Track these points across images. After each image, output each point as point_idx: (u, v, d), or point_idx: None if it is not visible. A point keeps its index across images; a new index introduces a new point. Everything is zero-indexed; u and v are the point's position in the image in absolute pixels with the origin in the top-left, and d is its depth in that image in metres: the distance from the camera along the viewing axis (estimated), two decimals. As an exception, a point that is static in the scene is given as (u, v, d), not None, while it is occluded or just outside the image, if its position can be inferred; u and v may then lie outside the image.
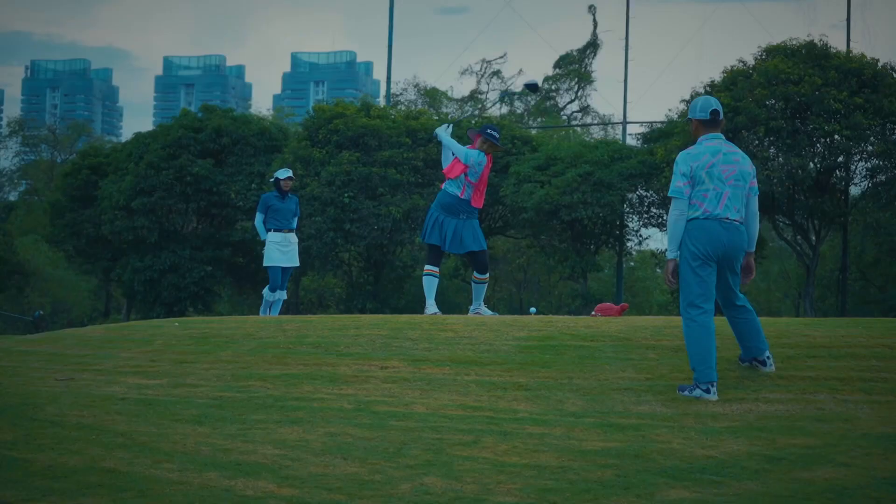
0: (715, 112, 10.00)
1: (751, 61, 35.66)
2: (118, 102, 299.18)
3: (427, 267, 14.77)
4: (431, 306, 14.47)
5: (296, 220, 18.79)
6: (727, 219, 9.67)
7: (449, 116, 53.64)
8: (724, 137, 9.99)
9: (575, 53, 66.86)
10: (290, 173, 18.92)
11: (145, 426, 8.78)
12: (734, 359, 10.32)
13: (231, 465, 7.55)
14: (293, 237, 18.68)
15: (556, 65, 67.57)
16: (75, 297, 58.68)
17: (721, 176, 9.67)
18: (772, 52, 35.14)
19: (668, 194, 9.95)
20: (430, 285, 14.61)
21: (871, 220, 35.99)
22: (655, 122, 40.68)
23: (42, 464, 7.63)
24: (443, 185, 14.65)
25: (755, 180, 9.95)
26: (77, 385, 10.60)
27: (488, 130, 14.52)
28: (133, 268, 44.28)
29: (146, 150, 44.31)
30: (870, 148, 33.87)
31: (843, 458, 7.64)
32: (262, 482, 7.16)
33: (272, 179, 18.97)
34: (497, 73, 69.14)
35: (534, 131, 49.65)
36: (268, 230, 18.49)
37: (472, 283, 14.93)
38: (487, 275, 14.83)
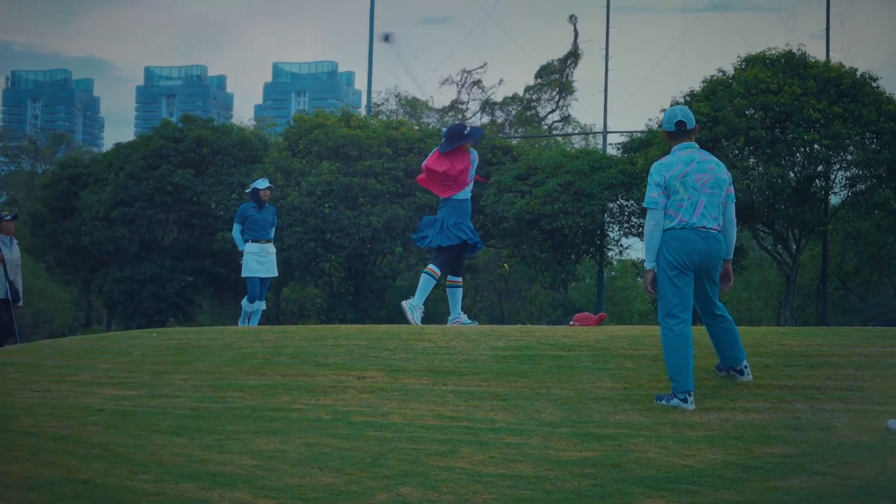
0: (680, 123, 10.04)
1: (730, 71, 35.77)
2: (99, 113, 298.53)
3: (432, 267, 14.51)
4: (419, 310, 14.28)
5: (273, 230, 18.78)
6: (704, 227, 9.69)
7: (430, 127, 53.51)
8: (697, 146, 10.01)
9: (556, 63, 66.90)
10: (268, 183, 18.93)
11: (122, 437, 8.75)
12: (711, 368, 10.34)
13: (207, 476, 7.53)
14: (271, 247, 18.66)
15: (538, 75, 67.61)
16: (56, 308, 58.49)
17: (696, 185, 9.70)
18: (751, 61, 35.25)
19: (643, 205, 9.99)
20: (428, 285, 14.41)
21: (850, 229, 36.04)
22: (636, 132, 40.74)
23: (17, 475, 7.60)
24: (450, 195, 14.53)
25: (732, 187, 9.98)
26: (54, 396, 10.57)
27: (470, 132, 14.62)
28: (113, 278, 44.19)
29: (126, 160, 44.24)
30: (849, 157, 33.98)
31: (820, 468, 7.65)
32: (239, 493, 7.14)
33: (248, 191, 18.93)
34: (478, 83, 69.19)
35: (514, 141, 49.69)
36: (246, 241, 18.47)
37: (449, 290, 14.80)
38: (461, 278, 14.82)
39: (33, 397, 10.54)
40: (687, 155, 9.87)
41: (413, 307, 14.29)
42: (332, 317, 39.94)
